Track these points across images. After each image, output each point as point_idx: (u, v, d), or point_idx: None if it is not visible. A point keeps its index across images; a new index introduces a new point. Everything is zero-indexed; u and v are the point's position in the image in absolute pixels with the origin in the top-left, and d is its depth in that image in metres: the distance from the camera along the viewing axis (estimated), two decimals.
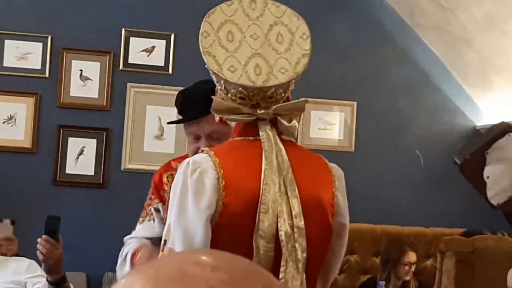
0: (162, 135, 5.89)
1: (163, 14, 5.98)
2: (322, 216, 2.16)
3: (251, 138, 2.14)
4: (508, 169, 1.65)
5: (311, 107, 5.91)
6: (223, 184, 2.02)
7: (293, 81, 2.15)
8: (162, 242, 2.06)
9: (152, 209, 2.83)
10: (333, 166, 2.28)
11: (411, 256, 5.27)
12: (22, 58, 5.79)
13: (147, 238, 2.77)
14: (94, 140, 5.84)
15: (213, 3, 6.00)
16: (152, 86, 5.92)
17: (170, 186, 2.66)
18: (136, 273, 0.71)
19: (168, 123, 3.07)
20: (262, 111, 2.11)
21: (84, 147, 5.82)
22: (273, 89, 2.10)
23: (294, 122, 2.17)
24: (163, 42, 5.95)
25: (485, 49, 5.67)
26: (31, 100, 5.77)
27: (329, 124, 6.06)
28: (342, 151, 6.03)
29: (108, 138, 5.86)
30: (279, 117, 2.13)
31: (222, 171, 2.04)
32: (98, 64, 5.87)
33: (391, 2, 6.16)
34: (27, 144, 5.76)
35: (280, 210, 2.03)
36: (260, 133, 2.12)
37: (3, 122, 5.74)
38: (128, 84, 5.88)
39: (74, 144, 5.81)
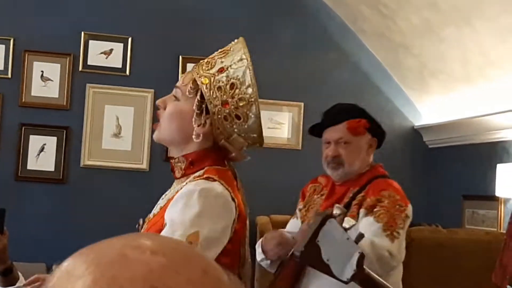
0: (119, 134, 5.96)
1: (121, 19, 6.05)
2: None
3: (224, 167, 2.21)
4: (340, 248, 1.88)
5: (262, 107, 5.90)
6: (238, 213, 2.10)
7: None
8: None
9: (297, 210, 3.42)
10: None
11: None
12: None
13: (291, 232, 3.24)
14: (55, 138, 5.89)
15: (168, 10, 6.29)
16: (110, 86, 5.99)
17: (310, 194, 3.38)
18: (77, 256, 0.69)
19: (309, 132, 3.54)
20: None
21: (44, 144, 5.88)
22: None
23: None
24: (121, 45, 6.02)
25: (423, 54, 5.79)
26: None
27: (278, 124, 6.20)
28: (290, 149, 6.22)
29: (68, 136, 5.91)
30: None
31: (236, 201, 2.10)
32: (59, 65, 5.94)
33: (335, 9, 6.27)
34: None
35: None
36: (231, 167, 2.26)
37: None
38: (87, 85, 5.96)
39: (35, 141, 5.87)
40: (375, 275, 1.85)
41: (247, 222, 2.23)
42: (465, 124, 5.70)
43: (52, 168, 5.90)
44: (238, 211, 2.10)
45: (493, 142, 5.46)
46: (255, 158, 6.65)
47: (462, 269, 4.70)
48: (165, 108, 2.25)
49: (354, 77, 6.38)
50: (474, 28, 5.05)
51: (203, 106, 2.18)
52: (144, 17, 6.07)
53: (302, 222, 3.36)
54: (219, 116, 2.16)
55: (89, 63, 6.02)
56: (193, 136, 2.17)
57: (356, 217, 3.14)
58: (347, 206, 3.17)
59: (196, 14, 6.16)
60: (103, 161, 5.95)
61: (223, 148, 2.22)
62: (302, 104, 6.29)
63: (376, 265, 2.92)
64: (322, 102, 6.21)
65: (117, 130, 6.00)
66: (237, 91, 2.16)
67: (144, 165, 5.95)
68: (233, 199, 2.09)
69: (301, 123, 6.26)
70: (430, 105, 6.21)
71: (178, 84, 2.26)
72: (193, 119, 2.17)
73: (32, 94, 5.92)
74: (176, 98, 2.23)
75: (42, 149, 5.90)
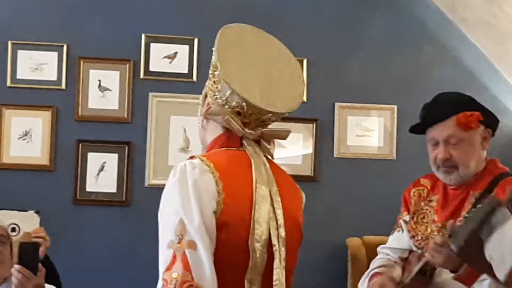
0: (187, 147, 5.91)
1: (185, 18, 6.00)
2: (298, 229, 2.41)
3: (235, 148, 2.34)
4: (510, 245, 1.75)
5: (348, 112, 5.98)
6: (222, 185, 2.20)
7: (286, 114, 2.38)
8: (176, 238, 2.15)
9: (401, 221, 3.30)
10: (299, 188, 2.55)
11: None
12: (37, 69, 5.87)
13: (397, 249, 3.28)
14: (116, 155, 5.88)
15: (237, 6, 6.19)
16: (176, 95, 5.95)
17: (415, 201, 3.29)
18: None
19: (410, 131, 3.39)
20: (250, 131, 2.35)
21: (105, 162, 5.88)
22: (270, 115, 2.34)
23: (272, 144, 2.45)
24: (186, 47, 5.98)
25: None
26: (47, 114, 5.84)
27: (367, 130, 6.09)
28: (383, 159, 6.09)
29: (130, 152, 5.89)
30: (262, 139, 2.39)
31: (218, 174, 2.21)
32: (118, 73, 5.92)
33: None
34: (45, 161, 5.83)
35: (271, 217, 2.25)
36: (247, 147, 2.34)
37: (18, 138, 5.80)
38: (150, 94, 5.93)
39: (94, 159, 5.86)
40: None
41: (258, 204, 2.25)
42: None
43: (114, 189, 5.89)
44: (222, 183, 2.20)
45: None
46: (342, 170, 6.44)
47: None
48: None
49: (455, 74, 6.19)
50: None
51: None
52: (211, 15, 5.95)
53: (413, 236, 3.19)
54: (210, 91, 2.38)
55: (151, 69, 5.99)
56: (199, 124, 2.46)
57: None
58: None
59: (270, 11, 6.04)
60: None
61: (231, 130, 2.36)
62: (395, 107, 6.15)
63: None
64: (418, 105, 6.09)
65: (185, 144, 5.95)
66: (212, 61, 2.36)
67: None
68: (212, 172, 2.22)
69: (395, 128, 6.13)
70: None
71: None
72: (199, 107, 2.44)
73: (89, 106, 5.92)
74: None
75: (102, 168, 5.90)
